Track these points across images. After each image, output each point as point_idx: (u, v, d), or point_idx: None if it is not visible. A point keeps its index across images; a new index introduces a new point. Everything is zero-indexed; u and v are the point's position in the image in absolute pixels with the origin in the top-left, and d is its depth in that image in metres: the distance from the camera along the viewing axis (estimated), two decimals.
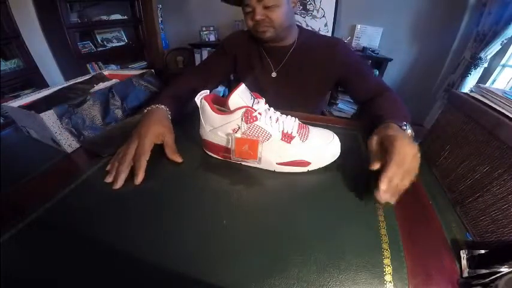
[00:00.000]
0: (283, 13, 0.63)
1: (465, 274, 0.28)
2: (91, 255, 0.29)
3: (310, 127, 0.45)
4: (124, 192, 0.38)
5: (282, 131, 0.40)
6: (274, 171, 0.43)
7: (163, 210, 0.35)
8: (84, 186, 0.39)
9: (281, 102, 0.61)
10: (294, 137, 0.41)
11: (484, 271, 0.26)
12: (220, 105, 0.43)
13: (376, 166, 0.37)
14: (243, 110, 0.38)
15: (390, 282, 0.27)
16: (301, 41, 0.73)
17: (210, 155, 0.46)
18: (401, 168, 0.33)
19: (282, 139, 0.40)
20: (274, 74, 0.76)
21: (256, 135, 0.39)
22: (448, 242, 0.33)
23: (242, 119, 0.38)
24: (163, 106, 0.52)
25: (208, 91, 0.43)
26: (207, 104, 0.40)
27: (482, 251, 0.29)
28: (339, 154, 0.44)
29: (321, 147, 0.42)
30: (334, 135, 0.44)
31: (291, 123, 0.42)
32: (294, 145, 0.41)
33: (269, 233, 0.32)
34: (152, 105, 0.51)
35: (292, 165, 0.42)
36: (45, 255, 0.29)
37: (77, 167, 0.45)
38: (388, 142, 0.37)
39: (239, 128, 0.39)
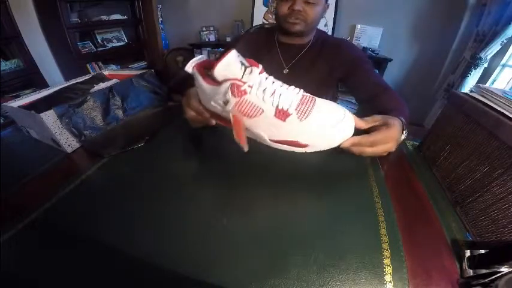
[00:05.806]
0: (318, 12, 0.67)
1: (465, 274, 0.28)
2: (91, 255, 0.29)
3: (319, 101, 0.37)
4: (123, 192, 0.38)
5: (277, 106, 0.34)
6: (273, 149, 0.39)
7: (164, 210, 0.35)
8: (84, 186, 0.39)
9: None
10: (290, 114, 0.35)
11: (484, 271, 0.26)
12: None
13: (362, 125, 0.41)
14: (229, 83, 0.33)
15: (390, 282, 0.27)
16: (315, 41, 0.77)
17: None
18: (370, 145, 0.39)
19: (275, 115, 0.35)
20: (286, 71, 0.78)
21: (245, 110, 0.35)
22: (448, 242, 0.33)
23: (229, 92, 0.33)
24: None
25: (202, 56, 0.38)
26: (198, 73, 0.36)
27: (482, 251, 0.29)
28: (350, 136, 0.38)
29: (322, 130, 0.36)
30: (346, 112, 0.37)
31: (290, 96, 0.35)
32: (288, 123, 0.35)
33: (269, 233, 0.32)
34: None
35: (287, 144, 0.37)
36: (45, 255, 0.29)
37: (77, 167, 0.45)
38: (384, 124, 0.41)
39: (228, 101, 0.34)
